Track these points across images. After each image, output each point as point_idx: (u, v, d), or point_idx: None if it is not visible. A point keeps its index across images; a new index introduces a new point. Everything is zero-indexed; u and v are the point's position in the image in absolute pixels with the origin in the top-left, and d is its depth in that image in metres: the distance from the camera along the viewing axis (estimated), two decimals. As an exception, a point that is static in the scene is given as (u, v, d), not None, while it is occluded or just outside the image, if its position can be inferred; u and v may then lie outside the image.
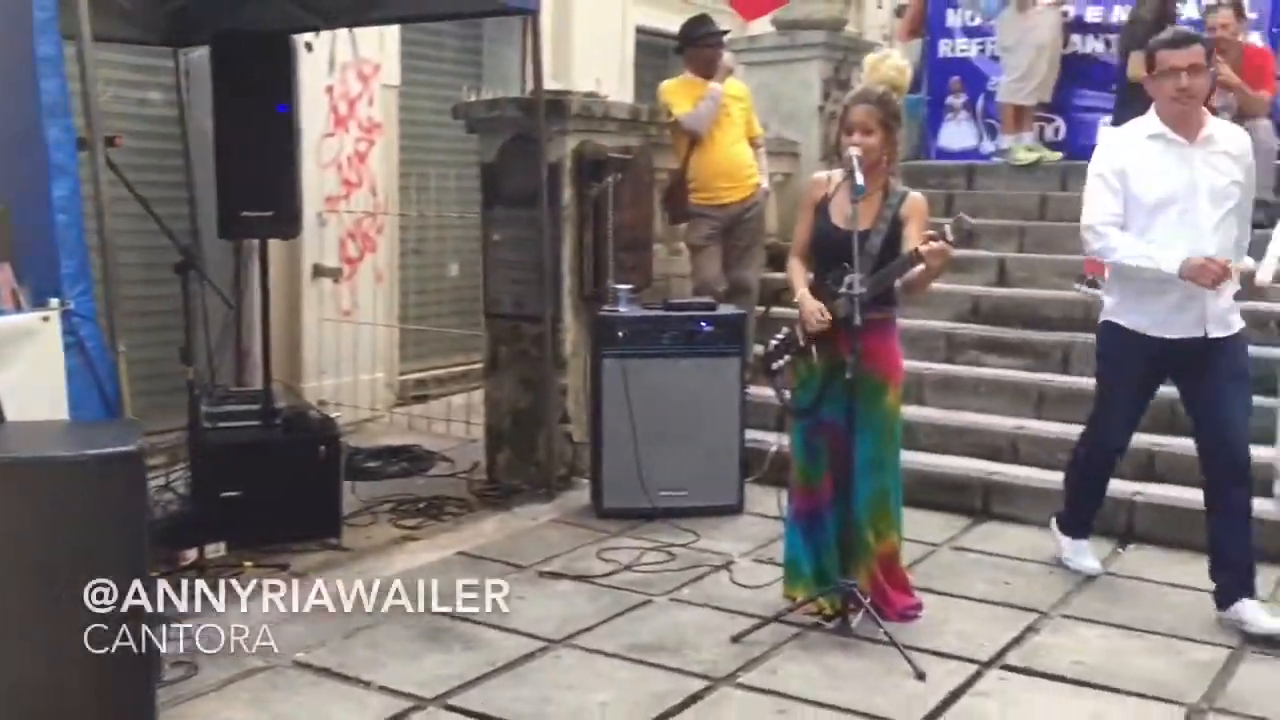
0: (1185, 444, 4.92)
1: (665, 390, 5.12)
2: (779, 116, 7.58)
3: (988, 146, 8.08)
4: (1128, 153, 3.98)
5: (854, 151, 3.75)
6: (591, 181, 5.53)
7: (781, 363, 4.00)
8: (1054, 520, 4.64)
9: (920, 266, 3.65)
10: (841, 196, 3.90)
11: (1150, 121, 3.99)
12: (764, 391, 5.64)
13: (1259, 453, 4.84)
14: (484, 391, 5.99)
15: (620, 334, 5.15)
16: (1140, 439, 5.28)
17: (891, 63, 4.13)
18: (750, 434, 5.30)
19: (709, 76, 6.00)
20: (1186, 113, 3.90)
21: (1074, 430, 5.46)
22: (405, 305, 7.31)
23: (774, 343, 4.05)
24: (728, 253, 6.05)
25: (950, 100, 8.26)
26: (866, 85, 4.11)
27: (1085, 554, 4.53)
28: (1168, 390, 5.24)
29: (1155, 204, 3.89)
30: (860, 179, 3.67)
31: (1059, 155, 7.65)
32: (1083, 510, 4.52)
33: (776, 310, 4.18)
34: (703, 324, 5.19)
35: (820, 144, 7.41)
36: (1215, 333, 3.96)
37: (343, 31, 6.30)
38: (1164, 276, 3.88)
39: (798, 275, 3.98)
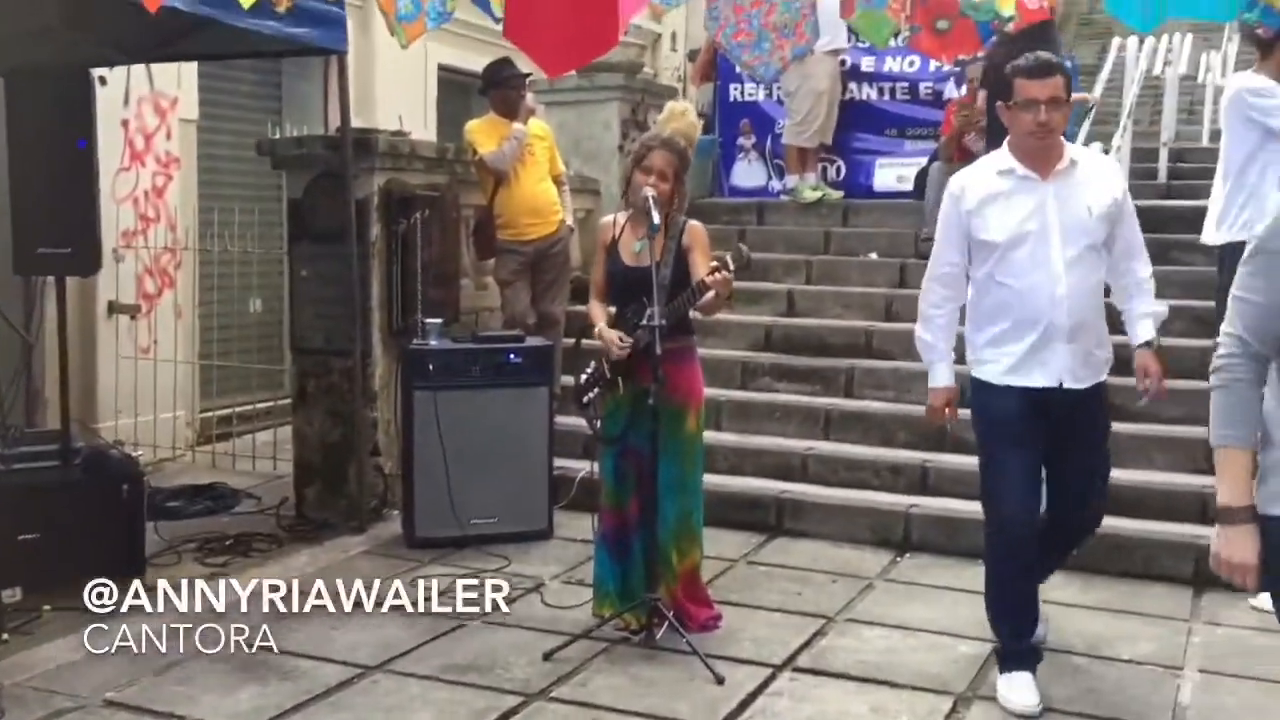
0: (957, 460, 5.43)
1: (476, 421, 5.27)
2: (580, 155, 7.87)
3: (776, 185, 8.58)
4: (974, 190, 3.67)
5: (649, 192, 4.01)
6: (399, 218, 5.65)
7: (592, 395, 4.21)
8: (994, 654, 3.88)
9: (710, 294, 3.94)
10: (628, 236, 4.15)
11: (1001, 156, 3.67)
12: (571, 420, 5.88)
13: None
14: (292, 426, 5.99)
15: (430, 366, 5.27)
16: (914, 455, 5.78)
17: (690, 119, 4.43)
18: (559, 461, 5.51)
19: (512, 117, 6.21)
20: (1045, 147, 3.58)
21: (858, 451, 5.92)
22: (206, 342, 7.20)
23: (584, 376, 4.27)
24: (535, 287, 6.27)
25: (741, 141, 8.74)
26: (669, 134, 4.33)
27: (1024, 689, 3.69)
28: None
29: (1006, 243, 3.59)
30: (656, 217, 3.94)
31: (840, 194, 8.24)
32: (1016, 619, 3.75)
33: (586, 343, 4.39)
34: (511, 355, 5.38)
35: (621, 182, 7.69)
36: (1071, 384, 3.63)
37: (139, 64, 6.22)
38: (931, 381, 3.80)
39: (597, 312, 4.23)
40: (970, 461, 5.56)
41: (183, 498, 5.94)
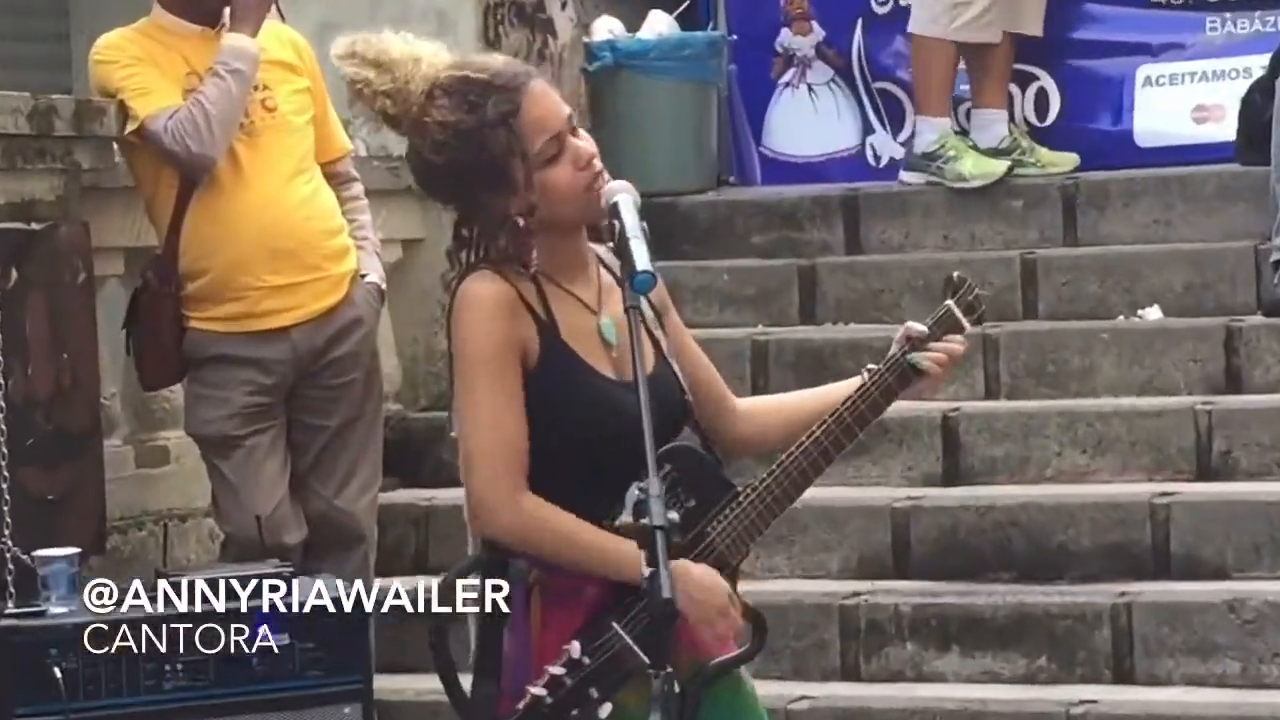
0: None
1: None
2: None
3: (885, 144, 9.01)
4: None
5: (625, 196, 4.26)
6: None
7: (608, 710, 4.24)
8: None
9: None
10: (574, 309, 4.36)
11: None
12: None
13: None
14: None
15: (56, 670, 5.46)
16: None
17: (428, 49, 4.61)
18: None
19: (214, 20, 6.54)
20: None
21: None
22: None
23: (561, 668, 4.18)
24: (299, 450, 6.58)
25: (786, 43, 9.11)
26: (484, 60, 4.57)
27: None
28: None
29: None
30: (642, 259, 4.17)
31: (1074, 160, 8.58)
32: None
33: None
34: (264, 630, 5.58)
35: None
36: None
37: None
38: None
39: (567, 521, 4.25)
40: None
41: None
